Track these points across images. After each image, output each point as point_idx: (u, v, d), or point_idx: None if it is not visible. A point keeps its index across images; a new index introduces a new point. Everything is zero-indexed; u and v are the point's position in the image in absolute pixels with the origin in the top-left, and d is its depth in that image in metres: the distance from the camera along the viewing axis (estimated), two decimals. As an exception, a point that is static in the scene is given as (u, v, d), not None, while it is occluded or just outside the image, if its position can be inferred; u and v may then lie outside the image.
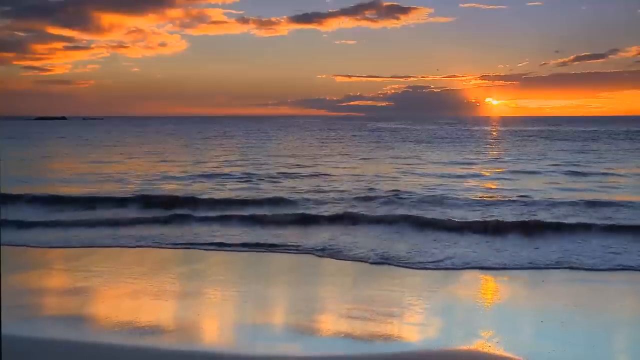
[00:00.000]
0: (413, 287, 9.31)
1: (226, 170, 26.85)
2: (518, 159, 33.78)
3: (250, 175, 24.52)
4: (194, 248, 11.85)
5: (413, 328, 7.46)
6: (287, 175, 24.32)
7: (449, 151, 40.81)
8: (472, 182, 22.49)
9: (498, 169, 27.79)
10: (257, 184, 22.09)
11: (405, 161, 32.07)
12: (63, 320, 7.47)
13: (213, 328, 7.48)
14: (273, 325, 7.54)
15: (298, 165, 29.08)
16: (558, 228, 12.79)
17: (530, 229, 12.75)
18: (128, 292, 8.82)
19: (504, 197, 18.16)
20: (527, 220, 13.65)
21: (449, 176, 24.36)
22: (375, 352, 6.51)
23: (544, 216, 14.47)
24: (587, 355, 6.54)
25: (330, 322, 7.58)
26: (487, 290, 9.27)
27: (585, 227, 12.80)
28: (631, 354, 6.75)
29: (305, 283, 9.72)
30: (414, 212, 14.95)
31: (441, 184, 21.52)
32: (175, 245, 12.06)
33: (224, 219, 14.29)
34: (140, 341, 6.68)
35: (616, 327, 7.67)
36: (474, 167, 28.71)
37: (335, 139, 62.43)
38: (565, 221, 13.59)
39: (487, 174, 25.82)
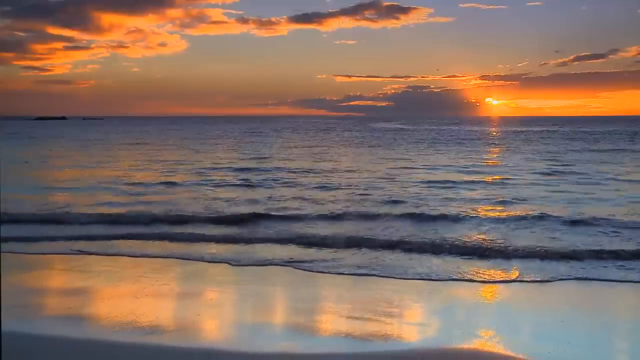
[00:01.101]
0: (412, 289, 9.30)
1: (221, 176, 25.36)
2: (521, 162, 32.10)
3: (246, 180, 23.50)
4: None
5: (413, 327, 7.45)
6: (277, 182, 23.07)
7: (449, 154, 39.90)
8: (472, 193, 19.90)
9: (499, 176, 25.12)
10: (253, 188, 21.30)
11: (401, 165, 30.24)
12: (64, 319, 7.46)
13: (213, 327, 7.47)
14: (273, 324, 7.53)
15: (290, 170, 27.64)
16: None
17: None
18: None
19: (506, 212, 15.98)
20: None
21: (446, 184, 22.08)
22: (376, 350, 6.49)
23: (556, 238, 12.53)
24: (587, 354, 6.53)
25: (330, 322, 7.56)
26: (487, 291, 9.25)
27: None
28: (631, 354, 6.75)
29: (301, 289, 9.71)
30: (399, 235, 12.94)
31: (435, 193, 19.60)
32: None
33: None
34: (140, 339, 6.67)
35: (616, 327, 7.65)
36: (474, 174, 25.79)
37: (334, 140, 62.32)
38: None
39: (489, 180, 23.70)
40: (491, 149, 44.62)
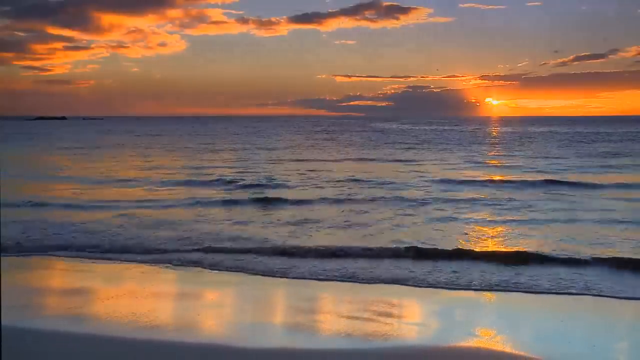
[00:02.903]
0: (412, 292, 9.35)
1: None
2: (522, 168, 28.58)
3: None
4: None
5: (415, 325, 7.57)
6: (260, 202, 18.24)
7: (447, 159, 35.40)
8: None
9: (504, 195, 19.33)
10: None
11: (393, 173, 26.56)
12: (68, 316, 7.58)
13: (215, 324, 7.58)
14: (276, 322, 7.67)
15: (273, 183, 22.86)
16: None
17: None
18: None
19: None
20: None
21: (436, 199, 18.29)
22: (377, 347, 6.56)
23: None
24: (587, 353, 6.62)
25: (332, 321, 7.67)
26: (487, 293, 9.30)
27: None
28: (630, 353, 6.82)
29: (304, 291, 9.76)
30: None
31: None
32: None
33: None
34: (141, 335, 6.77)
35: (616, 327, 7.82)
36: (476, 187, 21.38)
37: (331, 141, 61.68)
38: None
39: (489, 196, 18.98)
40: (491, 154, 39.73)
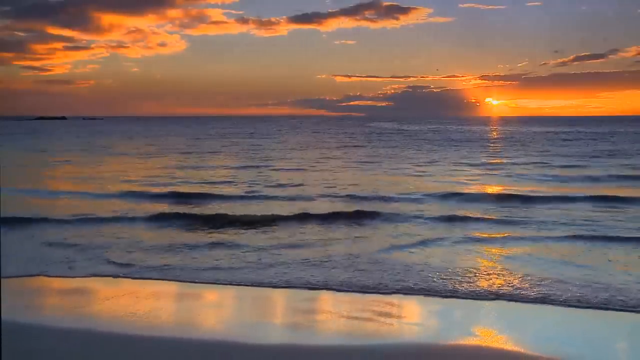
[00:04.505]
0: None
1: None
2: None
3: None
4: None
5: (416, 324, 7.58)
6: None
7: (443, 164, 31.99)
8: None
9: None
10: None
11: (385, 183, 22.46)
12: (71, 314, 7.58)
13: (216, 320, 7.57)
14: (277, 319, 7.67)
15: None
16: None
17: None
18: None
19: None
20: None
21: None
22: (378, 344, 6.54)
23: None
24: (588, 351, 6.61)
25: (334, 320, 7.68)
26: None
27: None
28: (631, 352, 6.82)
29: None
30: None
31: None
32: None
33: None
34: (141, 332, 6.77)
35: (615, 326, 7.77)
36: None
37: (325, 142, 61.22)
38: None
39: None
40: (502, 161, 32.75)
